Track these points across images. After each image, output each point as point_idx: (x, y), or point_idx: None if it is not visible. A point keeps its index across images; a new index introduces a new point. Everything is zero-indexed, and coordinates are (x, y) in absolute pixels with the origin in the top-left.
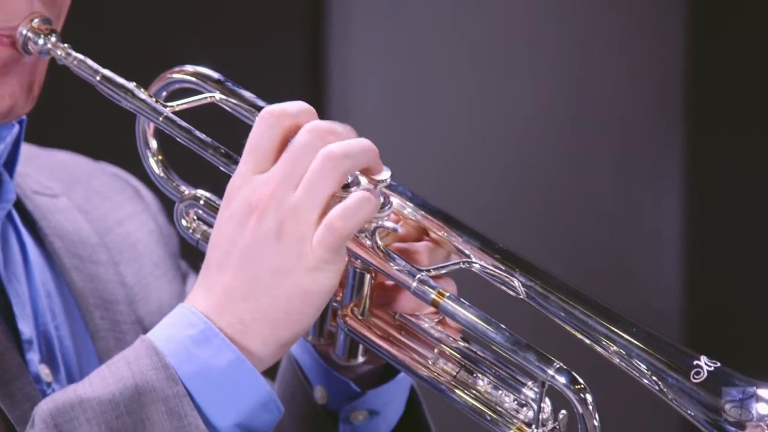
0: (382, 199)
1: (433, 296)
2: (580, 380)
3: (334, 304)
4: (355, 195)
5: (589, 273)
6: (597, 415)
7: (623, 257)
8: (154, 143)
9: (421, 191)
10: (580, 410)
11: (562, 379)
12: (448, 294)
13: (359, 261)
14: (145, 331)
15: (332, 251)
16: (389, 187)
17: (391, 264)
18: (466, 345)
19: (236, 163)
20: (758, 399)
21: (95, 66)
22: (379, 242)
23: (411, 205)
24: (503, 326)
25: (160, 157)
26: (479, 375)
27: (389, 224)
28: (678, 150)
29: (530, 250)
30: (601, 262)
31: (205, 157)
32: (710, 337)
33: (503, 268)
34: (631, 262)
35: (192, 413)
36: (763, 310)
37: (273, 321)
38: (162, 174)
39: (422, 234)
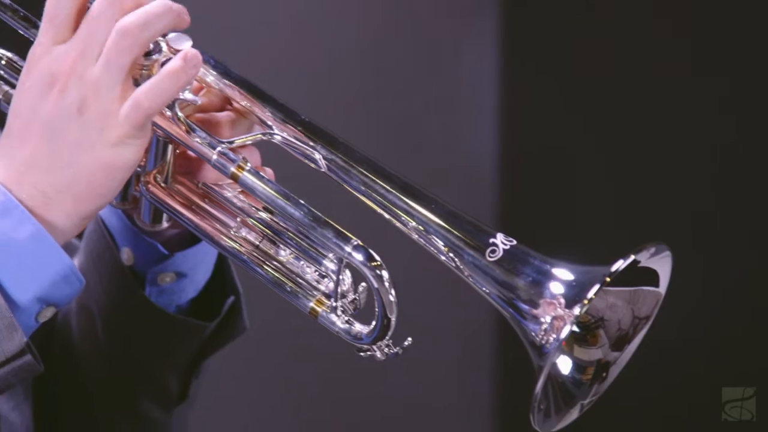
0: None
1: (232, 169)
2: (377, 257)
3: (138, 169)
4: (163, 72)
5: (406, 139)
6: (393, 291)
7: (439, 121)
8: None
9: (227, 59)
10: (376, 285)
11: (359, 257)
12: (247, 168)
13: (161, 131)
14: None
15: (137, 128)
16: None
17: (192, 136)
18: (270, 215)
19: (36, 27)
20: (552, 278)
21: None
22: (180, 114)
23: (214, 73)
24: (302, 202)
25: None
26: (281, 245)
27: (189, 96)
28: (493, 8)
29: (343, 118)
30: (417, 126)
31: (3, 19)
32: (523, 194)
33: (305, 140)
34: (447, 124)
35: None
36: (578, 163)
37: (75, 194)
38: None
39: (225, 103)
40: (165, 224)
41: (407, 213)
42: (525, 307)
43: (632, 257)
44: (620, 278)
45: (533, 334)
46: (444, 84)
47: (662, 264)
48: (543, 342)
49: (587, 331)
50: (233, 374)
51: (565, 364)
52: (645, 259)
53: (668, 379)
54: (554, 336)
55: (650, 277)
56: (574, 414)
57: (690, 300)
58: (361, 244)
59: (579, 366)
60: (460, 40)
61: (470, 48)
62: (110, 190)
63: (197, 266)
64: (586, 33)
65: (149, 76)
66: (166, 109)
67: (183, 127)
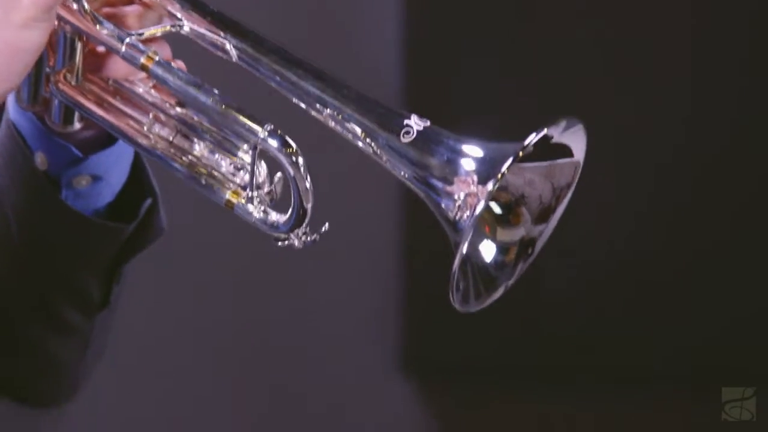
0: None
1: (142, 60)
2: (292, 143)
3: (47, 69)
4: None
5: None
6: (309, 177)
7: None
8: None
9: None
10: (292, 173)
11: (273, 143)
12: (157, 58)
13: (69, 26)
14: None
15: (44, 10)
16: None
17: (99, 28)
18: (182, 110)
19: None
20: (464, 155)
21: None
22: (87, 6)
23: None
24: (215, 90)
25: None
26: (195, 139)
27: None
28: None
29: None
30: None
31: None
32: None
33: (215, 30)
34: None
35: None
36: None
37: None
38: None
39: None
40: (77, 125)
41: (320, 100)
42: (439, 184)
43: (545, 130)
44: (535, 154)
45: (448, 210)
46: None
47: (576, 139)
48: (457, 218)
49: (509, 211)
50: (150, 276)
51: (488, 250)
52: (558, 133)
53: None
54: (468, 212)
55: (564, 151)
56: (498, 293)
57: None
58: (275, 129)
59: (502, 248)
60: None
61: None
62: (15, 75)
63: (112, 168)
64: None
65: None
66: (73, 3)
67: (90, 20)
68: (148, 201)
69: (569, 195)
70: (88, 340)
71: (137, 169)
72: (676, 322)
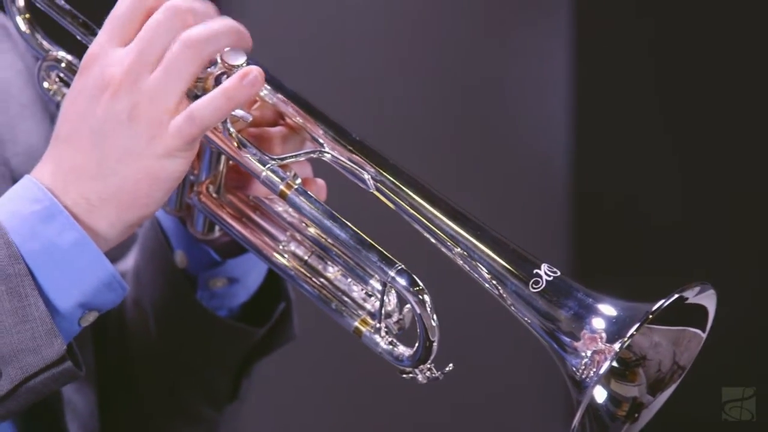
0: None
1: (281, 187)
2: (419, 282)
3: (191, 177)
4: (220, 89)
5: (476, 142)
6: (435, 316)
7: (509, 123)
8: (21, 1)
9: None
10: (419, 311)
11: (402, 281)
12: (296, 186)
13: (213, 145)
14: (13, 173)
15: (188, 142)
16: None
17: (242, 151)
18: (319, 231)
19: (94, 34)
20: (595, 312)
21: None
22: (231, 129)
23: (268, 87)
24: (349, 224)
25: (27, 16)
26: (329, 262)
27: (240, 112)
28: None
29: (413, 120)
30: (487, 128)
31: (62, 24)
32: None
33: (355, 159)
34: (517, 126)
35: (33, 293)
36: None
37: (120, 202)
38: (27, 31)
39: (278, 118)
40: (218, 233)
41: (453, 239)
42: (566, 339)
43: (675, 296)
44: (666, 316)
45: (573, 368)
46: (515, 84)
47: (708, 302)
48: (582, 376)
49: (627, 368)
50: (280, 381)
51: (600, 395)
52: (691, 297)
53: None
54: (594, 370)
55: (698, 314)
56: None
57: None
58: (404, 268)
59: (614, 399)
60: (532, 39)
61: (542, 47)
62: (155, 201)
63: (249, 272)
64: (667, 28)
65: (203, 89)
66: (218, 124)
67: (234, 143)
68: (282, 305)
69: (681, 379)
70: (215, 430)
71: (273, 272)
72: None
